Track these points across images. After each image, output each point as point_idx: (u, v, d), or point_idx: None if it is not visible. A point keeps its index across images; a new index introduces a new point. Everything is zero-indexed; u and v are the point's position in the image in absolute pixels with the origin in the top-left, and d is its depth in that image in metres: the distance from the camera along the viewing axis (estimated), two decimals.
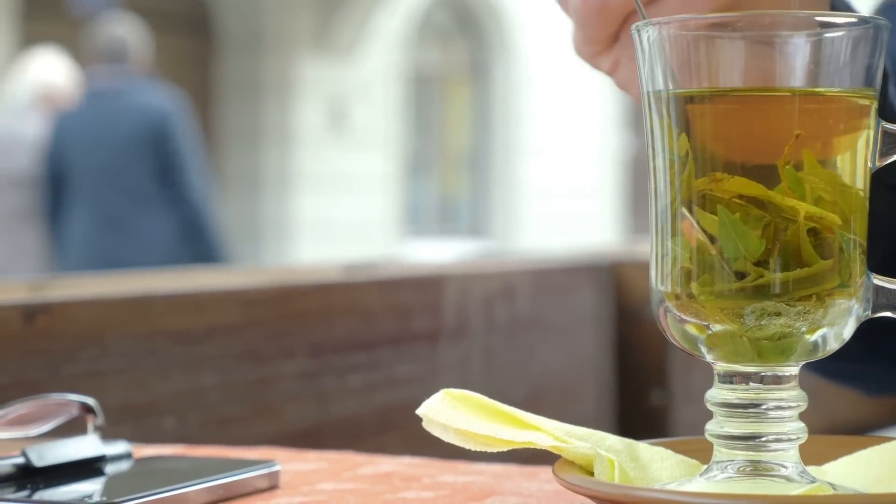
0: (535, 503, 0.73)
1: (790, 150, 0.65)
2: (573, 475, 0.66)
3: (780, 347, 0.65)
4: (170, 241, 4.80)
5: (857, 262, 0.66)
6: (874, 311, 0.67)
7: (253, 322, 1.28)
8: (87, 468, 0.80)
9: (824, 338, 0.66)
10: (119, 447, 0.83)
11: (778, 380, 0.66)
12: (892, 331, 0.84)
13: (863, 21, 0.66)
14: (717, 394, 0.67)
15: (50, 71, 5.39)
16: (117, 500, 0.71)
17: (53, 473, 0.78)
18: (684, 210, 0.66)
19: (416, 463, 0.85)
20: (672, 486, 0.68)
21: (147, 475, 0.80)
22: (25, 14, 9.66)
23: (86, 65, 5.31)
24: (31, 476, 0.77)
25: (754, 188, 0.65)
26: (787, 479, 0.66)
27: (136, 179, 4.81)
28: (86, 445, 0.81)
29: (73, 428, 0.83)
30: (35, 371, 1.10)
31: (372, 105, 11.31)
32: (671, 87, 0.67)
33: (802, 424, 0.67)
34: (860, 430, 1.80)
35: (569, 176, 12.74)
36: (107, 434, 0.83)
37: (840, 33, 0.65)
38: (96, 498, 0.74)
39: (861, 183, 0.67)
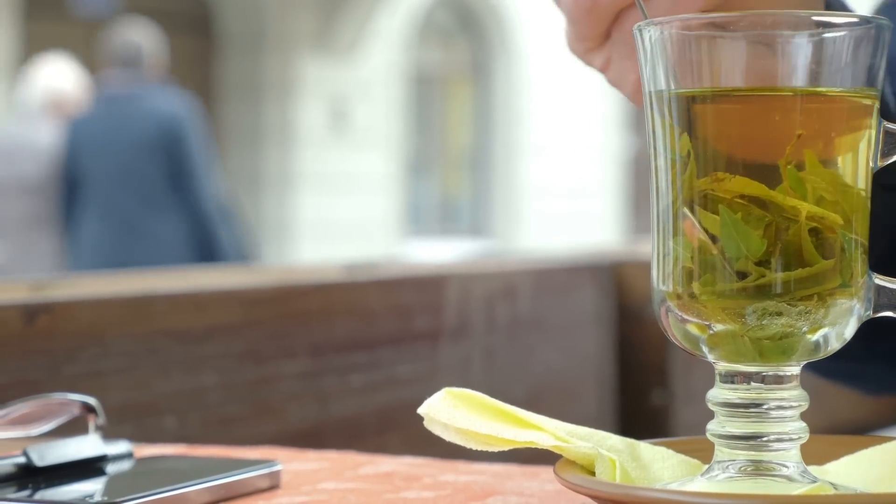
0: (536, 503, 0.73)
1: (792, 150, 0.65)
2: (574, 475, 0.66)
3: (781, 347, 0.65)
4: (181, 245, 4.84)
5: (859, 262, 0.66)
6: (875, 311, 0.67)
7: (254, 322, 1.28)
8: (88, 468, 0.80)
9: (826, 337, 0.66)
10: (120, 447, 0.83)
11: (779, 379, 0.66)
12: (891, 330, 0.84)
13: (864, 21, 0.66)
14: (719, 393, 0.67)
15: (59, 78, 5.44)
16: (118, 499, 0.71)
17: (54, 473, 0.78)
18: (686, 210, 0.66)
19: (417, 463, 0.85)
20: (673, 486, 0.68)
21: (148, 475, 0.80)
22: (26, 14, 9.66)
23: (99, 68, 5.35)
24: (32, 476, 0.77)
25: (756, 188, 0.65)
26: (789, 478, 0.66)
27: (149, 183, 4.86)
28: (87, 445, 0.81)
29: (74, 428, 0.83)
30: (36, 371, 1.10)
31: (373, 105, 11.31)
32: (673, 86, 0.66)
33: (804, 424, 0.67)
34: (861, 430, 1.80)
35: (570, 176, 12.74)
36: (108, 434, 0.83)
37: (842, 33, 0.65)
38: (97, 498, 0.74)
39: (862, 183, 0.67)
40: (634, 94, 0.82)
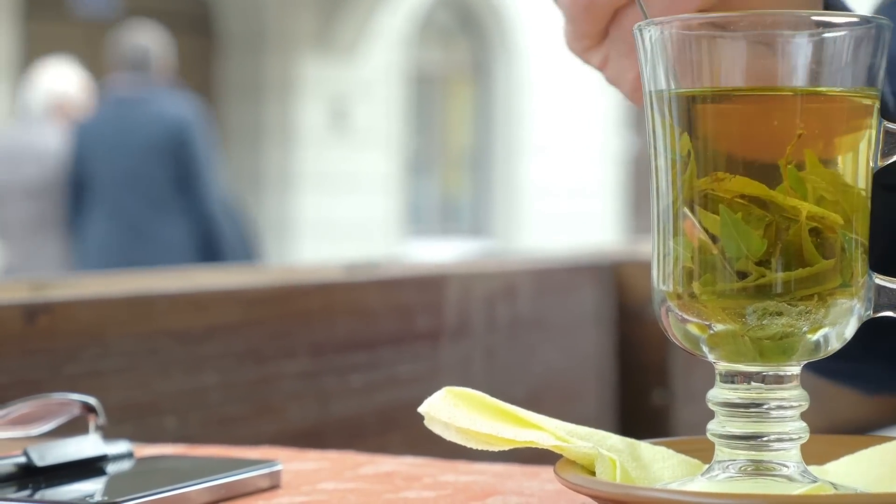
0: (536, 503, 0.73)
1: (792, 150, 0.65)
2: (575, 475, 0.66)
3: (781, 347, 0.65)
4: (188, 248, 4.87)
5: (859, 262, 0.66)
6: (876, 311, 0.67)
7: (254, 322, 1.28)
8: (88, 468, 0.80)
9: (826, 337, 0.66)
10: (120, 447, 0.83)
11: (779, 379, 0.66)
12: (891, 330, 0.84)
13: (865, 21, 0.66)
14: (719, 393, 0.67)
15: (62, 81, 5.47)
16: (119, 499, 0.71)
17: (55, 473, 0.78)
18: (686, 210, 0.66)
19: (418, 462, 0.85)
20: (674, 486, 0.68)
21: (148, 475, 0.80)
22: (27, 14, 9.67)
23: (99, 68, 5.39)
24: (32, 476, 0.77)
25: (756, 188, 0.65)
26: (789, 478, 0.66)
27: (157, 186, 4.89)
28: (87, 445, 0.81)
29: (74, 427, 0.83)
30: (36, 370, 1.11)
31: (373, 104, 11.31)
32: (673, 86, 0.67)
33: (804, 424, 0.67)
34: (861, 430, 1.80)
35: (570, 176, 12.74)
36: (108, 433, 0.83)
37: (842, 33, 0.65)
38: (98, 497, 0.74)
39: (863, 182, 0.67)
40: (632, 92, 0.82)
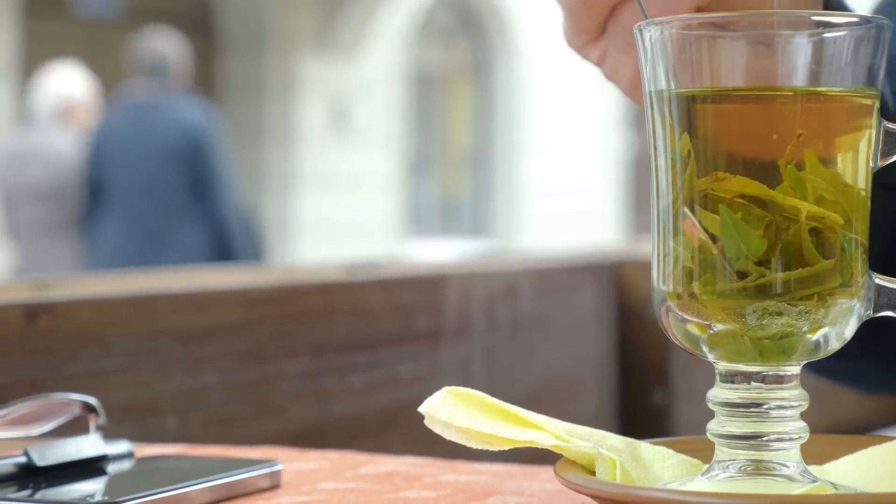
0: (536, 502, 0.73)
1: (792, 150, 0.65)
2: (575, 474, 0.66)
3: (781, 347, 0.65)
4: (202, 253, 4.90)
5: (859, 262, 0.66)
6: (875, 311, 0.67)
7: (255, 321, 1.28)
8: (88, 468, 0.80)
9: (826, 337, 0.66)
10: (121, 447, 0.83)
11: (779, 379, 0.66)
12: (890, 330, 0.84)
13: (865, 20, 0.66)
14: (719, 393, 0.67)
15: (69, 84, 5.50)
16: (119, 499, 0.71)
17: (55, 473, 0.78)
18: (686, 209, 0.66)
19: (418, 462, 0.85)
20: (674, 486, 0.68)
21: (149, 475, 0.80)
22: (27, 14, 9.66)
23: (126, 78, 5.44)
24: (32, 475, 0.77)
25: (756, 188, 0.65)
26: (789, 478, 0.66)
27: (171, 192, 4.93)
28: (88, 445, 0.81)
29: (74, 427, 0.83)
30: (37, 370, 1.11)
31: (374, 104, 11.31)
32: (673, 86, 0.67)
33: (804, 424, 0.67)
34: (861, 430, 1.80)
35: (571, 175, 12.74)
36: (108, 433, 0.83)
37: (842, 33, 0.65)
38: (98, 497, 0.74)
39: (863, 182, 0.67)
40: (630, 88, 0.82)
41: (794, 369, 0.67)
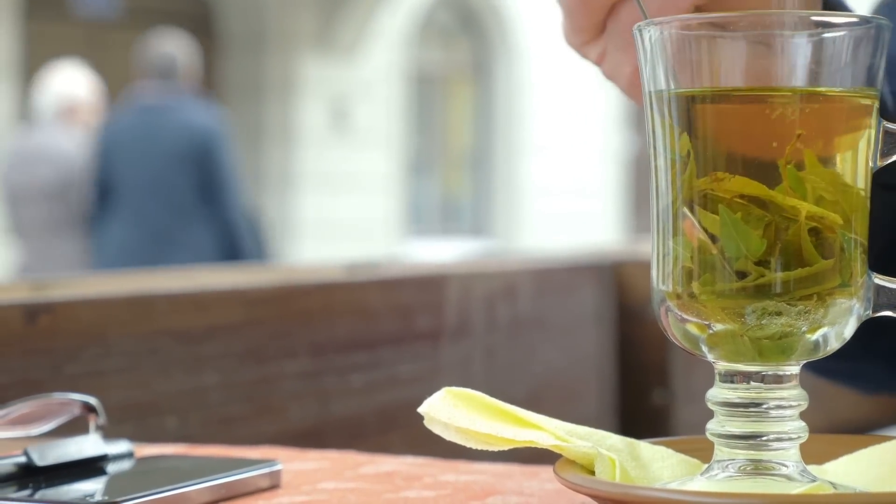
0: (536, 502, 0.73)
1: (791, 150, 0.65)
2: (574, 474, 0.66)
3: (780, 347, 0.65)
4: (209, 255, 4.92)
5: (858, 262, 0.67)
6: (875, 311, 0.67)
7: (255, 321, 1.28)
8: (88, 467, 0.80)
9: (825, 337, 0.66)
10: (121, 446, 0.83)
11: (779, 379, 0.66)
12: (889, 330, 0.84)
13: (864, 21, 0.66)
14: (718, 393, 0.67)
15: (72, 84, 5.53)
16: (119, 499, 0.71)
17: (55, 473, 0.78)
18: (686, 209, 0.66)
19: (418, 462, 0.85)
20: (673, 486, 0.68)
21: (149, 474, 0.80)
22: (27, 14, 9.67)
23: (127, 77, 5.46)
24: (32, 475, 0.77)
25: (756, 188, 0.65)
26: (788, 478, 0.66)
27: (179, 193, 4.96)
28: (88, 445, 0.81)
29: (74, 427, 0.83)
30: (37, 370, 1.11)
31: (374, 104, 11.31)
32: (673, 86, 0.67)
33: (803, 423, 0.67)
34: (861, 430, 1.80)
35: (571, 175, 12.74)
36: (108, 433, 0.84)
37: (841, 33, 0.65)
38: (98, 497, 0.74)
39: (862, 182, 0.67)
40: (629, 86, 0.82)
41: (794, 369, 0.67)
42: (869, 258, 0.68)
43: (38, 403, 0.81)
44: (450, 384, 0.71)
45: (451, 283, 1.48)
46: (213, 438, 1.14)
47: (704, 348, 0.67)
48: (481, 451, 0.70)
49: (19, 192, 5.37)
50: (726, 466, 0.67)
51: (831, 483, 0.66)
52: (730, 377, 0.67)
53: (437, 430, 0.69)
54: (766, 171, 0.65)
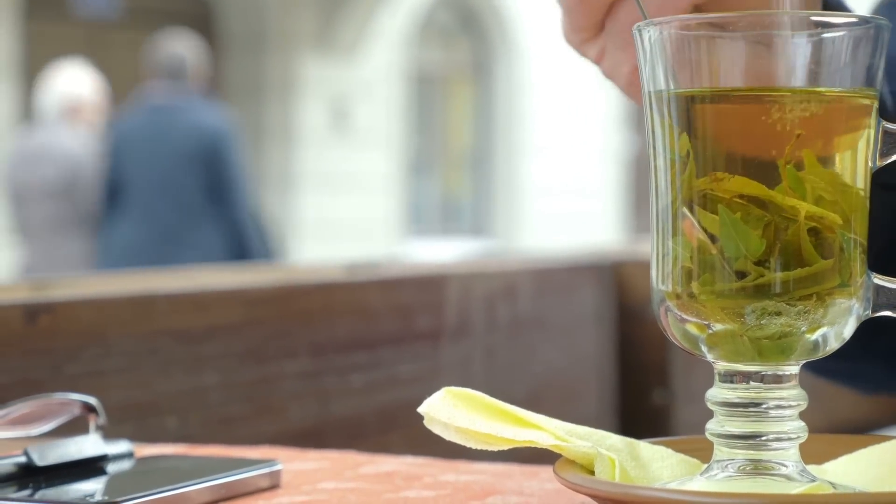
0: (535, 502, 0.73)
1: (791, 150, 0.65)
2: (574, 474, 0.66)
3: (780, 347, 0.66)
4: (216, 255, 4.94)
5: (858, 262, 0.67)
6: (874, 311, 0.67)
7: (255, 321, 1.28)
8: (88, 467, 0.80)
9: (824, 337, 0.66)
10: (121, 446, 0.83)
11: (778, 379, 0.66)
12: (888, 330, 0.84)
13: (863, 21, 0.66)
14: (718, 393, 0.67)
15: (76, 84, 5.55)
16: (119, 499, 0.71)
17: (55, 473, 0.78)
18: (685, 209, 0.66)
19: (418, 462, 0.86)
20: (672, 485, 0.68)
21: (149, 474, 0.80)
22: (27, 14, 9.67)
23: (143, 80, 5.49)
24: (32, 475, 0.77)
25: (755, 188, 0.65)
26: (788, 477, 0.66)
27: (188, 194, 4.98)
28: (88, 445, 0.81)
29: (74, 427, 0.83)
30: (37, 370, 1.11)
31: (374, 104, 11.31)
32: (672, 86, 0.67)
33: (803, 423, 0.67)
34: (860, 430, 1.80)
35: (571, 175, 12.74)
36: (108, 433, 0.84)
37: (841, 33, 0.65)
38: (98, 497, 0.74)
39: (861, 182, 0.67)
40: (628, 85, 0.82)
41: (793, 369, 0.67)
42: (868, 258, 0.68)
43: (38, 403, 0.81)
44: (450, 384, 0.71)
45: (451, 283, 1.49)
46: (213, 438, 1.14)
47: (704, 348, 0.67)
48: (481, 451, 0.70)
49: (23, 192, 5.39)
50: (726, 466, 0.67)
51: (831, 483, 0.66)
52: (729, 377, 0.67)
53: (436, 429, 0.69)
54: (765, 171, 0.65)
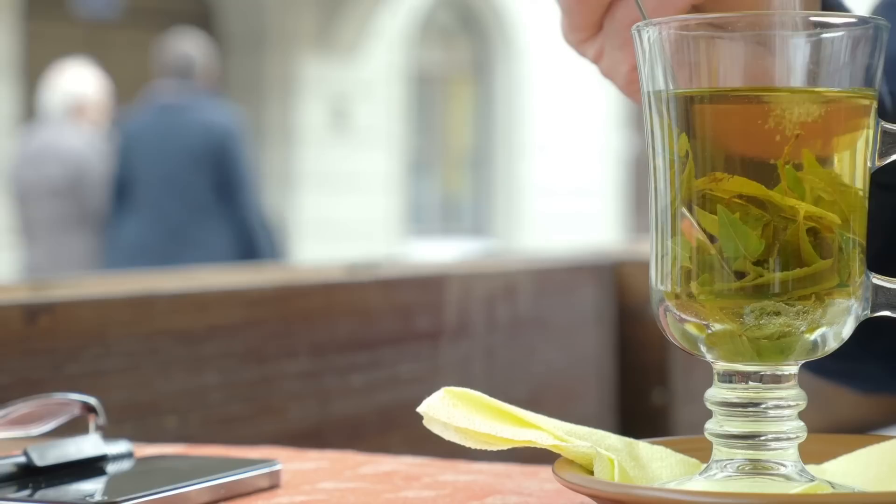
0: (535, 502, 0.73)
1: (790, 150, 0.65)
2: (573, 474, 0.66)
3: (779, 346, 0.66)
4: (224, 254, 4.94)
5: (857, 262, 0.67)
6: (873, 311, 0.68)
7: (255, 321, 1.28)
8: (88, 468, 0.80)
9: (823, 337, 0.66)
10: (121, 446, 0.83)
11: (777, 379, 0.66)
12: (887, 330, 0.84)
13: (862, 21, 0.66)
14: (717, 393, 0.67)
15: (80, 82, 5.56)
16: (119, 499, 0.71)
17: (55, 473, 0.78)
18: (684, 209, 0.66)
19: (417, 462, 0.86)
20: (671, 485, 0.68)
21: (148, 474, 0.80)
22: (27, 14, 9.66)
23: (154, 79, 5.51)
24: (32, 475, 0.77)
25: (754, 188, 0.65)
26: (787, 477, 0.66)
27: (196, 192, 4.99)
28: (87, 445, 0.81)
29: (74, 427, 0.83)
30: (37, 370, 1.11)
31: (374, 104, 11.31)
32: (671, 87, 0.67)
33: (802, 423, 0.67)
34: (860, 429, 1.80)
35: (571, 175, 12.74)
36: (108, 433, 0.84)
37: (840, 33, 0.66)
38: (98, 497, 0.74)
39: (860, 182, 0.67)
40: (626, 84, 0.82)
41: (792, 369, 0.67)
42: (867, 258, 0.68)
43: (38, 403, 0.81)
44: (450, 384, 0.71)
45: (451, 283, 1.49)
46: (213, 438, 1.14)
47: (703, 348, 0.67)
48: (480, 451, 0.70)
49: (28, 191, 5.40)
50: (725, 466, 0.67)
51: (830, 483, 0.67)
52: (728, 377, 0.67)
53: (436, 429, 0.69)
54: (764, 171, 0.65)
